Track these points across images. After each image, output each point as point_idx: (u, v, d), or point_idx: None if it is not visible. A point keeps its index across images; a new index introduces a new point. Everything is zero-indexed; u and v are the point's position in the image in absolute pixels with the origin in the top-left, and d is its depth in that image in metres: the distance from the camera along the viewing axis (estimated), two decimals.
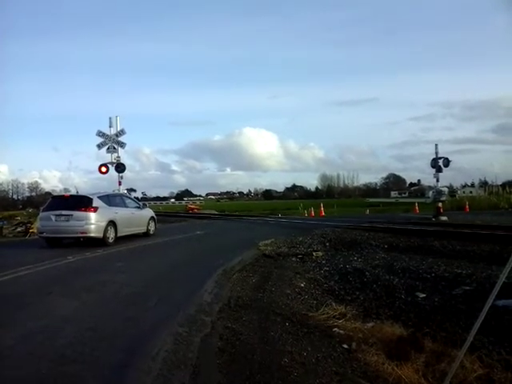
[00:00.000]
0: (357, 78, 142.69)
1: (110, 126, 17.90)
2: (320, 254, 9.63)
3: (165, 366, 3.34)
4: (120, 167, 17.94)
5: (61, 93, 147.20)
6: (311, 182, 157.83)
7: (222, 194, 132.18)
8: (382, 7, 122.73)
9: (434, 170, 19.06)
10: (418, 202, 30.25)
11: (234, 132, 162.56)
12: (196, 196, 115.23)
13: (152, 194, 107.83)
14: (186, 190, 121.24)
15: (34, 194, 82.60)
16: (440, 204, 18.99)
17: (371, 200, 66.35)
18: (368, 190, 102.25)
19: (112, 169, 17.93)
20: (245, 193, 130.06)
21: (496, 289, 2.66)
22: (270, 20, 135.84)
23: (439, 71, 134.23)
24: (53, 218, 11.18)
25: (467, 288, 5.93)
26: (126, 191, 18.47)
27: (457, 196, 35.85)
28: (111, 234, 11.61)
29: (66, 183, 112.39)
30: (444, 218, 18.02)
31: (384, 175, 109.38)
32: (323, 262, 8.74)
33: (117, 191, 16.64)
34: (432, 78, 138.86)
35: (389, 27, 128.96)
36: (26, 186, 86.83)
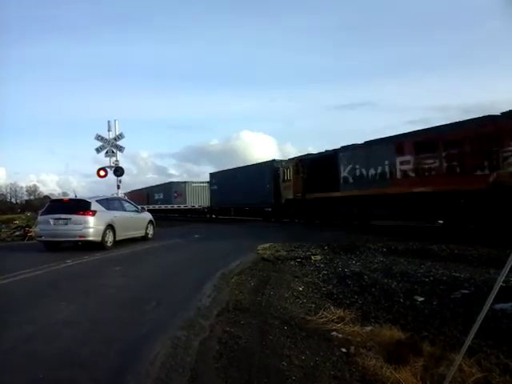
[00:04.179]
0: (354, 81, 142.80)
1: (109, 130, 17.97)
2: (318, 257, 9.62)
3: (163, 369, 3.34)
4: (118, 171, 18.00)
5: (58, 96, 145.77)
6: None
7: None
8: (378, 10, 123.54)
9: None
10: None
11: (232, 136, 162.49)
12: None
13: None
14: None
15: (32, 197, 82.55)
16: None
17: None
18: None
19: (110, 172, 17.98)
20: None
21: (493, 292, 2.67)
22: (268, 23, 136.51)
23: (435, 74, 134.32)
24: (51, 221, 11.19)
25: (465, 291, 5.92)
26: (123, 195, 18.52)
27: None
28: (109, 238, 11.61)
29: (64, 187, 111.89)
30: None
31: None
32: (322, 265, 8.72)
33: (115, 195, 16.68)
34: (427, 81, 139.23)
35: (385, 31, 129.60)
36: (25, 189, 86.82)
